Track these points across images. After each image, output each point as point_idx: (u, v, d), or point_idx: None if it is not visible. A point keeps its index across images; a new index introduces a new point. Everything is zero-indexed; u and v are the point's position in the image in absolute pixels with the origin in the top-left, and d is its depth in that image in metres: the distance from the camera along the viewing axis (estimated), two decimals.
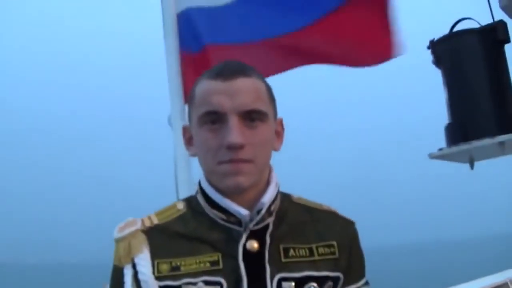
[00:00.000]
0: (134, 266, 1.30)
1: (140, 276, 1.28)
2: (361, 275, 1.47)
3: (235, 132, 1.26)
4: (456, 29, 2.87)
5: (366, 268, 1.50)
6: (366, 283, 1.47)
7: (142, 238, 1.33)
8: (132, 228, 1.36)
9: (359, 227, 1.50)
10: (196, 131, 1.35)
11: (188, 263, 1.29)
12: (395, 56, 2.78)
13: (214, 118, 1.30)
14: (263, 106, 1.33)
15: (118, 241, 1.35)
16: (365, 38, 2.83)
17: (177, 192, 2.68)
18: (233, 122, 1.27)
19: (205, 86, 1.34)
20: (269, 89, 1.40)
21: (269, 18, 2.91)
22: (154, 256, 1.31)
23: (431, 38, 2.92)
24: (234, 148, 1.26)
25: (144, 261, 1.30)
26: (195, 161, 1.44)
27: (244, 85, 1.31)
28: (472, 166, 2.89)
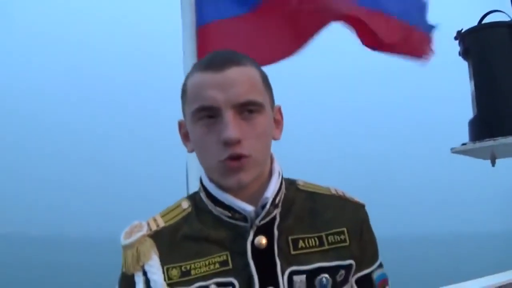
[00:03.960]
0: (145, 273, 1.26)
1: (152, 285, 1.24)
2: (375, 258, 1.43)
3: (231, 127, 1.20)
4: (485, 21, 2.79)
5: (382, 254, 1.46)
6: (380, 265, 1.43)
7: (150, 243, 1.29)
8: (139, 234, 1.30)
9: (379, 215, 1.46)
10: (191, 127, 1.30)
11: (198, 266, 1.25)
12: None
13: (208, 113, 1.24)
14: (259, 96, 1.26)
15: (125, 248, 1.30)
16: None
17: (187, 182, 2.58)
18: (229, 116, 1.21)
19: (196, 79, 1.27)
20: (264, 76, 1.34)
21: None
22: (163, 261, 1.27)
23: (458, 29, 2.85)
24: (231, 143, 1.20)
25: (154, 268, 1.26)
26: None
27: (237, 75, 1.24)
28: (493, 163, 2.82)
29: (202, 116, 1.24)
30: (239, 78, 1.23)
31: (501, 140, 2.50)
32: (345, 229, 1.34)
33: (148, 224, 1.33)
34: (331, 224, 1.34)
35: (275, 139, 1.34)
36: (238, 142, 1.20)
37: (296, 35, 2.83)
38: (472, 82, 2.74)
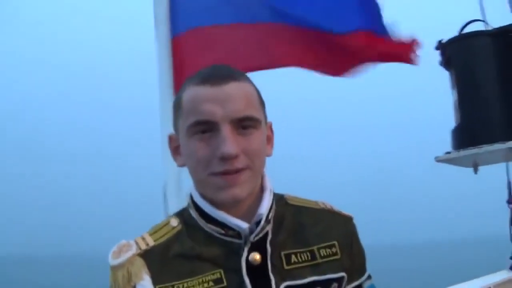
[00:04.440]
0: None
1: None
2: (363, 270, 1.43)
3: (229, 142, 1.18)
4: (465, 31, 2.81)
5: (370, 265, 1.46)
6: (369, 277, 1.43)
7: (141, 263, 1.25)
8: (129, 253, 1.26)
9: (363, 224, 1.46)
10: (185, 141, 1.27)
11: (191, 285, 1.22)
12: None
13: (204, 128, 1.22)
14: (256, 112, 1.26)
15: (114, 268, 1.25)
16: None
17: (165, 201, 2.53)
18: (226, 131, 1.20)
19: (192, 93, 1.25)
20: (259, 93, 1.33)
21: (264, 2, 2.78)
22: (155, 281, 1.23)
23: (438, 39, 2.87)
24: (229, 158, 1.19)
25: None
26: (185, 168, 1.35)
27: (235, 90, 1.23)
28: (476, 171, 2.84)
29: (198, 130, 1.22)
30: (237, 94, 1.22)
31: (486, 148, 2.51)
32: (336, 242, 1.35)
33: (137, 243, 1.28)
34: (322, 238, 1.34)
35: (267, 155, 1.33)
36: (235, 157, 1.19)
37: (274, 52, 2.80)
38: (455, 91, 2.75)
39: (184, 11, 2.75)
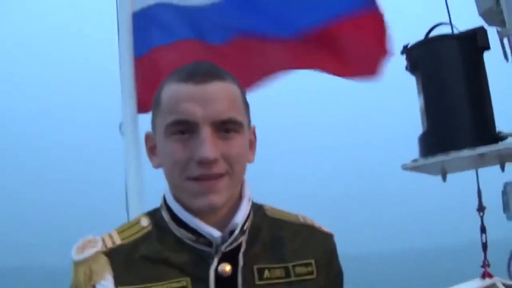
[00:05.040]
0: None
1: None
2: None
3: (208, 145, 1.11)
4: (432, 35, 2.74)
5: (347, 275, 1.39)
6: None
7: (104, 261, 1.18)
8: (93, 250, 1.20)
9: (341, 235, 1.40)
10: (161, 142, 1.19)
11: None
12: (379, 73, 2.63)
13: (183, 128, 1.14)
14: (239, 115, 1.18)
15: (77, 264, 1.19)
16: (361, 52, 2.68)
17: (127, 203, 2.49)
18: (206, 133, 1.12)
19: (173, 90, 1.17)
20: (244, 95, 1.25)
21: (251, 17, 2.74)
22: (117, 282, 1.17)
23: (405, 43, 2.79)
24: (207, 163, 1.12)
25: None
26: (147, 172, 1.27)
27: (219, 90, 1.15)
28: (444, 178, 2.78)
29: (176, 131, 1.14)
30: (220, 94, 1.15)
31: (454, 154, 2.43)
32: (313, 261, 1.27)
33: (103, 240, 1.23)
34: (299, 255, 1.27)
35: (249, 161, 1.25)
36: (213, 162, 1.11)
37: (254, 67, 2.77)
38: (421, 97, 2.68)
39: (146, 33, 2.74)
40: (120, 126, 2.64)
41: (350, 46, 2.65)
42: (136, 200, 2.46)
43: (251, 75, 2.71)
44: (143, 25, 2.74)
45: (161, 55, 2.73)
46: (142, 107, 2.58)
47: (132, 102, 2.63)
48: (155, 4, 2.76)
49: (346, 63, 2.71)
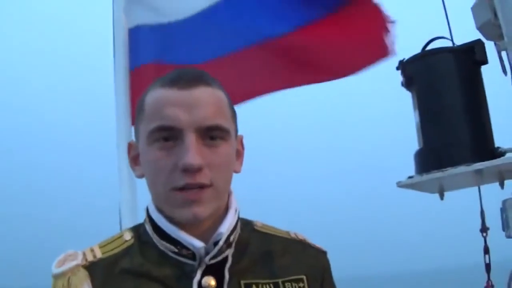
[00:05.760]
0: None
1: None
2: None
3: (192, 152, 1.07)
4: (429, 48, 2.68)
5: None
6: None
7: (84, 275, 1.16)
8: (72, 263, 1.18)
9: (332, 255, 1.34)
10: (144, 149, 1.15)
11: None
12: (385, 57, 2.68)
13: (167, 135, 1.10)
14: (225, 122, 1.15)
15: (56, 277, 1.17)
16: (354, 43, 2.72)
17: (120, 218, 2.49)
18: (190, 140, 1.09)
19: (157, 95, 1.13)
20: (230, 102, 1.21)
21: (232, 30, 2.72)
22: None
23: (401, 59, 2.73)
24: (190, 171, 1.08)
25: None
26: (141, 186, 1.22)
27: (204, 95, 1.12)
28: (442, 196, 2.70)
29: (159, 138, 1.09)
30: (207, 100, 1.10)
31: (450, 171, 2.35)
32: (304, 276, 1.22)
33: (84, 254, 1.21)
34: (289, 270, 1.21)
35: (235, 171, 1.21)
36: (198, 170, 1.06)
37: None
38: (417, 112, 2.62)
39: (143, 45, 2.75)
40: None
41: (341, 40, 2.67)
42: (129, 216, 2.46)
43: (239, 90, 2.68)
44: (138, 39, 2.74)
45: (157, 68, 2.71)
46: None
47: (126, 115, 2.63)
48: (149, 26, 2.79)
49: (339, 58, 2.74)
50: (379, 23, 2.61)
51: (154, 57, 2.74)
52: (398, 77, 2.73)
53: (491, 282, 2.82)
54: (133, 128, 2.56)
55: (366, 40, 2.69)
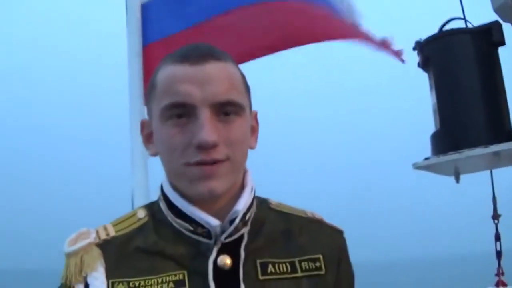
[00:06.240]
0: (86, 286, 1.12)
1: None
2: None
3: (208, 129, 1.06)
4: (446, 29, 2.65)
5: (356, 282, 1.30)
6: None
7: (97, 253, 1.15)
8: (85, 241, 1.17)
9: (348, 240, 1.32)
10: (157, 127, 1.14)
11: (149, 284, 1.10)
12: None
13: (180, 112, 1.09)
14: (239, 97, 1.13)
15: (68, 256, 1.16)
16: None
17: (132, 199, 2.46)
18: (205, 116, 1.07)
19: (169, 71, 1.12)
20: (244, 77, 1.20)
21: None
22: (109, 274, 1.13)
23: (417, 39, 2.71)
24: (206, 147, 1.06)
25: (98, 281, 1.12)
26: (154, 166, 1.21)
27: (217, 71, 1.10)
28: (457, 179, 2.67)
29: (173, 115, 1.08)
30: (219, 75, 1.09)
31: (467, 153, 2.33)
32: (320, 255, 1.21)
33: (97, 232, 1.20)
34: (306, 249, 1.20)
35: (250, 147, 1.20)
36: (213, 146, 1.05)
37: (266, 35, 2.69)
38: (434, 93, 2.59)
39: (156, 21, 2.71)
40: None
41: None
42: (142, 201, 2.37)
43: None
44: (152, 14, 2.72)
45: (168, 42, 2.68)
46: None
47: (139, 97, 2.59)
48: None
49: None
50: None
51: (165, 33, 2.71)
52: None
53: (502, 269, 2.81)
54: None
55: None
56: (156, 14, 2.73)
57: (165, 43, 2.67)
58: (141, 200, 2.39)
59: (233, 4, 2.68)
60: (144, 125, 1.24)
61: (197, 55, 1.11)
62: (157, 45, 2.68)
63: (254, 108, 1.26)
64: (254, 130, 1.25)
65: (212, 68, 1.10)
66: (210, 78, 1.09)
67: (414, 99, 57.51)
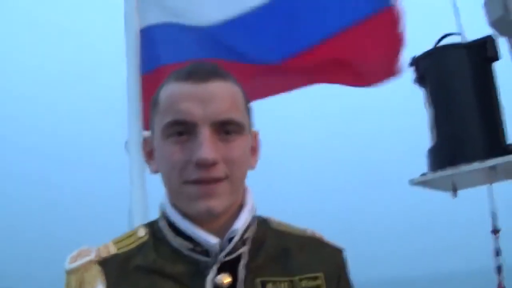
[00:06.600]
0: None
1: None
2: None
3: (207, 146, 1.06)
4: (440, 45, 2.66)
5: None
6: None
7: (97, 270, 1.15)
8: (86, 259, 1.17)
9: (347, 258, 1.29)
10: (159, 144, 1.14)
11: None
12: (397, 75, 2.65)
13: (181, 129, 1.09)
14: (240, 116, 1.14)
15: (69, 273, 1.17)
16: (374, 56, 2.69)
17: (129, 217, 2.46)
18: (205, 134, 1.07)
19: (172, 89, 1.13)
20: (245, 96, 1.20)
21: (260, 43, 2.71)
22: None
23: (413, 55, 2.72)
24: (205, 165, 1.06)
25: None
26: (152, 190, 1.21)
27: (219, 89, 1.11)
28: (455, 194, 2.67)
29: (173, 132, 1.09)
30: (221, 93, 1.09)
31: (464, 168, 2.33)
32: (321, 274, 1.20)
33: (98, 250, 1.20)
34: (306, 268, 1.20)
35: (251, 167, 1.20)
36: (213, 164, 1.05)
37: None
38: (429, 109, 2.60)
39: (153, 49, 2.71)
40: (126, 144, 2.60)
41: (364, 51, 2.63)
42: (140, 220, 2.39)
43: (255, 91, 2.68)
44: (150, 41, 2.71)
45: (169, 73, 2.67)
46: (148, 125, 2.56)
47: (137, 119, 2.59)
48: (163, 23, 2.74)
49: (362, 71, 2.71)
50: (396, 38, 2.59)
51: (168, 60, 2.70)
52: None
53: (503, 284, 2.79)
54: (144, 132, 2.55)
55: (382, 56, 2.67)
56: (156, 40, 2.72)
57: (163, 72, 2.63)
58: (139, 218, 2.39)
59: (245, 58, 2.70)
60: (146, 143, 1.25)
61: (201, 73, 1.11)
62: (156, 72, 2.67)
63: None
64: (254, 149, 1.25)
65: (215, 87, 1.10)
66: (212, 96, 1.09)
67: (410, 115, 55.76)
